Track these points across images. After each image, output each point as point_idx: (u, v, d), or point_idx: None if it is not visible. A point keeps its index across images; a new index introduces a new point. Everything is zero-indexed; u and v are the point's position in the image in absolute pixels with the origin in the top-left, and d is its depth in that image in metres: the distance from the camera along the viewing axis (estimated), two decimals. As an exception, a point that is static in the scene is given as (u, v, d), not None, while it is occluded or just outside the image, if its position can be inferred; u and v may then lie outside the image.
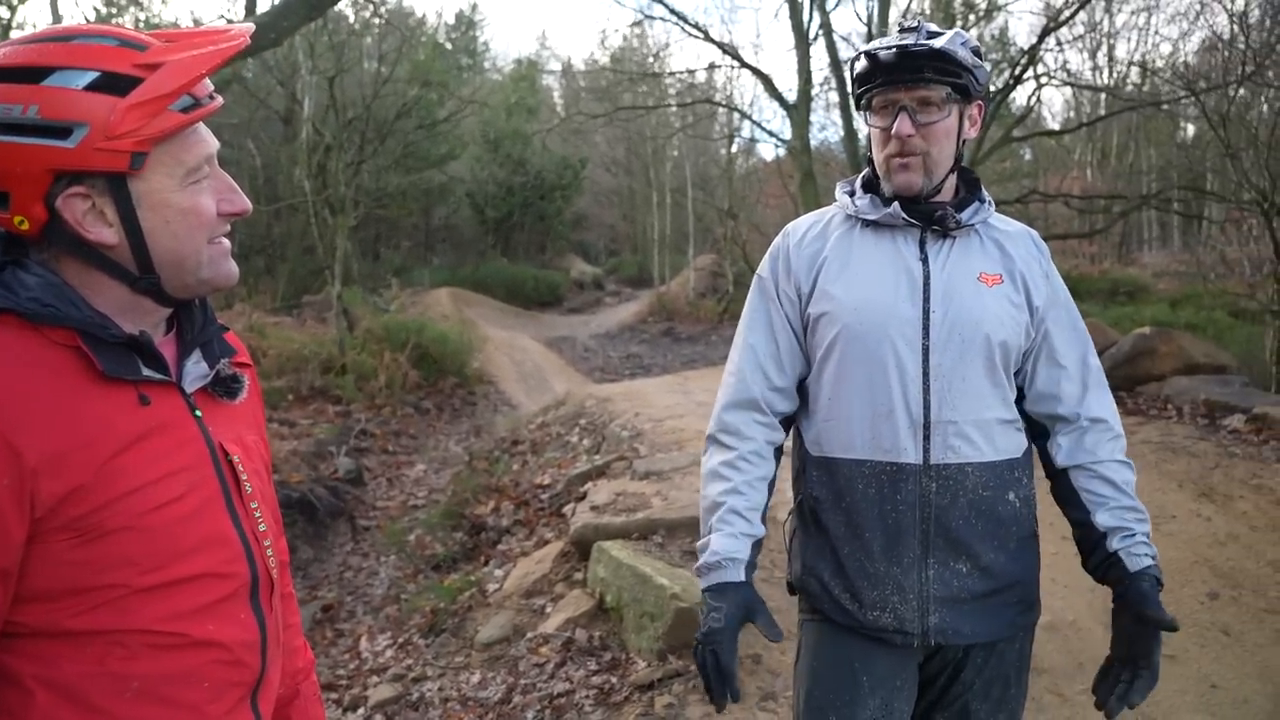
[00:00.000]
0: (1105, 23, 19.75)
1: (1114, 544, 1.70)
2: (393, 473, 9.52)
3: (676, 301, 22.69)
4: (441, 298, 19.32)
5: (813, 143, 14.73)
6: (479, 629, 4.54)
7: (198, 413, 1.14)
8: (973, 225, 1.75)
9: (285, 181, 18.49)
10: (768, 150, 36.77)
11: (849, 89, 1.85)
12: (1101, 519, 1.72)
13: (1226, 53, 9.15)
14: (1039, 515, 1.81)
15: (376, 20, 15.65)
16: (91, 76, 1.01)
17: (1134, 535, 1.70)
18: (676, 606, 3.72)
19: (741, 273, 22.00)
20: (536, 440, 8.06)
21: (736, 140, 24.13)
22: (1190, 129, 18.47)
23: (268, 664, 1.18)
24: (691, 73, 21.03)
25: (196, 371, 1.16)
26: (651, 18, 14.85)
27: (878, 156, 1.75)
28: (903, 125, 1.67)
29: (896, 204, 1.72)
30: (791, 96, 14.18)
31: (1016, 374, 1.77)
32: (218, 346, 1.21)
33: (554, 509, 5.86)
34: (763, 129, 30.63)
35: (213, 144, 1.13)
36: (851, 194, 1.82)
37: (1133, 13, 21.17)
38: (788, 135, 14.64)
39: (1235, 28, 8.59)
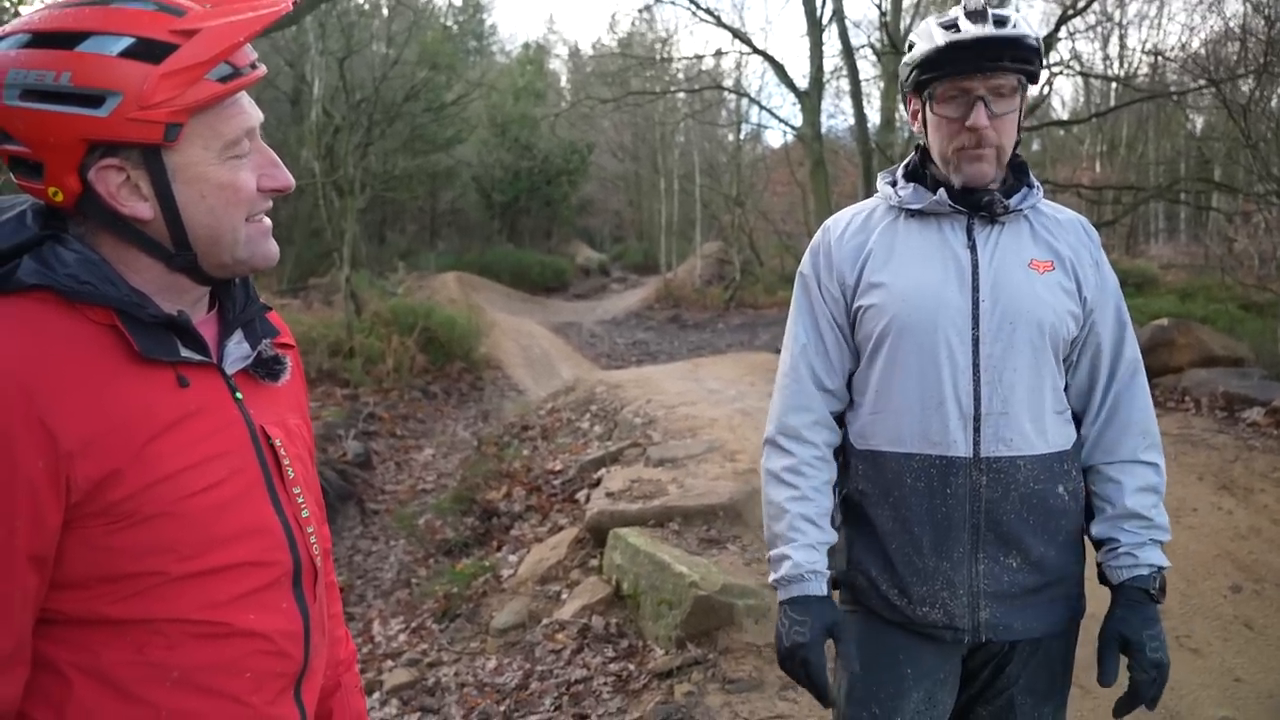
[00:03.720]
0: (1118, 13, 19.59)
1: (1099, 557, 1.71)
2: (401, 457, 9.50)
3: (683, 289, 22.66)
4: (448, 282, 19.29)
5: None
6: (494, 615, 4.52)
7: (238, 395, 1.10)
8: (1021, 211, 1.70)
9: (292, 163, 18.41)
10: (775, 137, 36.67)
11: (900, 73, 1.76)
12: (1096, 530, 1.71)
13: (1245, 42, 9.05)
14: None
15: (384, 2, 15.57)
16: (126, 43, 0.97)
17: (1118, 547, 1.66)
18: (695, 594, 3.69)
19: (748, 260, 21.97)
20: (547, 426, 8.03)
21: (744, 127, 24.05)
22: (1199, 121, 18.35)
23: (311, 654, 1.14)
24: (700, 58, 20.85)
25: (238, 352, 1.13)
26: (662, 1, 14.75)
27: (943, 147, 1.68)
28: (979, 117, 1.60)
29: (943, 190, 1.67)
30: (801, 83, 14.10)
31: (1064, 361, 1.72)
32: (260, 326, 1.18)
33: (567, 495, 5.83)
34: (773, 115, 30.48)
35: (255, 116, 1.08)
36: (893, 184, 1.77)
37: (1146, 1, 20.96)
38: (796, 122, 14.57)
39: (1258, 17, 8.48)
